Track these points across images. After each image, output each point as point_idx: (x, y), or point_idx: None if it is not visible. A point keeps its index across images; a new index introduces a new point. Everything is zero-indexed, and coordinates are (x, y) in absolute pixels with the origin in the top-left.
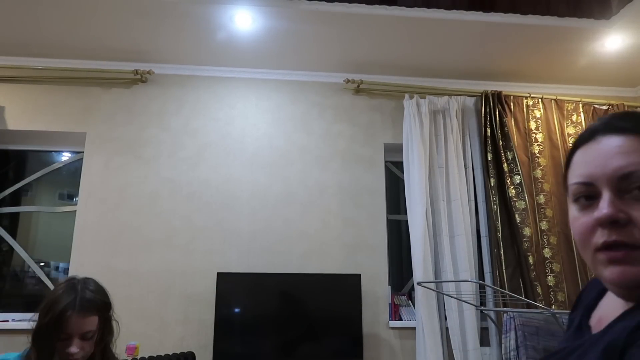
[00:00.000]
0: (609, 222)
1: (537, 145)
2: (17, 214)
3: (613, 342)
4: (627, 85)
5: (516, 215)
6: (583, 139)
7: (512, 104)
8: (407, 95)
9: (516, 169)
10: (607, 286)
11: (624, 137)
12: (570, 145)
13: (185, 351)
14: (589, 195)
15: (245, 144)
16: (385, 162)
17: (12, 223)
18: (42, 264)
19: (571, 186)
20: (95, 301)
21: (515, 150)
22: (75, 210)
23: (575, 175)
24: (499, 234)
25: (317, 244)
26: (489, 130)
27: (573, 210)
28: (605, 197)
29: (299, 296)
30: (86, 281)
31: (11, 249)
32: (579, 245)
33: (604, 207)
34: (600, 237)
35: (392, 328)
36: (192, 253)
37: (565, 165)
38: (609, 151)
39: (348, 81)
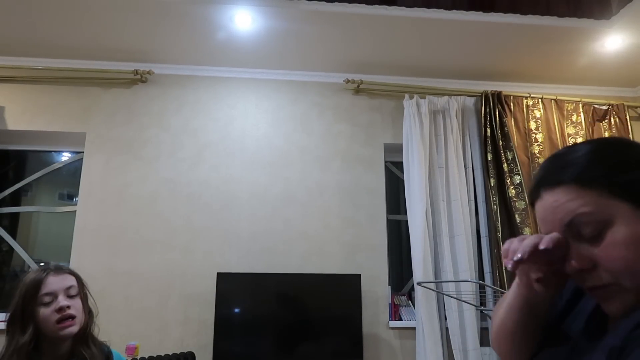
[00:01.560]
0: (578, 274)
1: (537, 145)
2: (17, 214)
3: (614, 344)
4: (627, 85)
5: (516, 216)
6: (533, 195)
7: (512, 104)
8: (407, 95)
9: (516, 169)
10: None
11: (559, 190)
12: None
13: (185, 351)
14: None
15: (245, 144)
16: (385, 162)
17: (12, 223)
18: (42, 264)
19: None
20: (67, 267)
21: (515, 151)
22: (75, 210)
23: (542, 231)
24: (499, 234)
25: (317, 244)
26: (488, 130)
27: None
28: (571, 250)
29: (299, 296)
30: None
31: (11, 249)
32: None
33: (572, 262)
34: (583, 281)
35: (392, 328)
36: (192, 253)
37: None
38: (550, 207)
39: (348, 81)
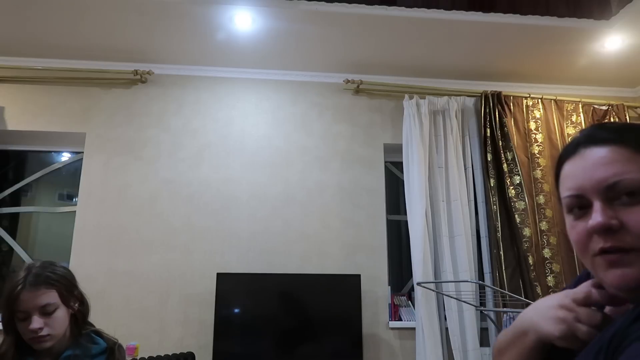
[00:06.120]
0: (603, 230)
1: (536, 145)
2: (17, 214)
3: (613, 336)
4: (627, 86)
5: (516, 216)
6: (568, 153)
7: (511, 104)
8: (406, 96)
9: (516, 170)
10: (608, 289)
11: (605, 148)
12: None
13: (185, 351)
14: (581, 205)
15: (245, 145)
16: (385, 162)
17: (12, 223)
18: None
19: (564, 199)
20: (46, 275)
21: (515, 151)
22: (75, 211)
23: (566, 188)
24: (499, 235)
25: (317, 244)
26: (488, 130)
27: (569, 219)
28: (597, 206)
29: (299, 297)
30: (41, 262)
31: (11, 249)
32: (578, 252)
33: (597, 216)
34: (596, 243)
35: (392, 328)
36: (192, 253)
37: (555, 178)
38: (593, 163)
39: (348, 81)
